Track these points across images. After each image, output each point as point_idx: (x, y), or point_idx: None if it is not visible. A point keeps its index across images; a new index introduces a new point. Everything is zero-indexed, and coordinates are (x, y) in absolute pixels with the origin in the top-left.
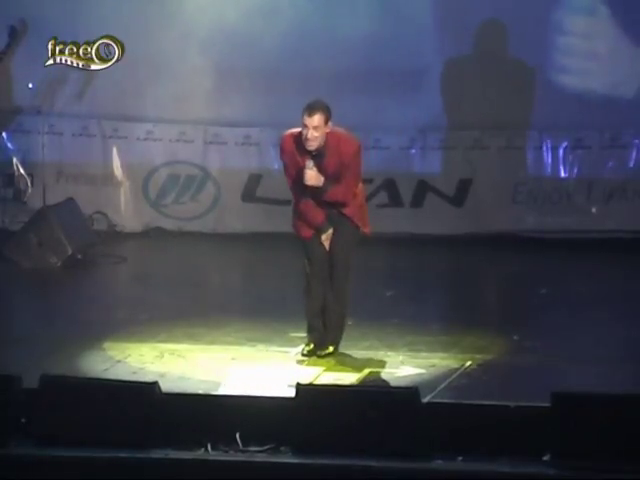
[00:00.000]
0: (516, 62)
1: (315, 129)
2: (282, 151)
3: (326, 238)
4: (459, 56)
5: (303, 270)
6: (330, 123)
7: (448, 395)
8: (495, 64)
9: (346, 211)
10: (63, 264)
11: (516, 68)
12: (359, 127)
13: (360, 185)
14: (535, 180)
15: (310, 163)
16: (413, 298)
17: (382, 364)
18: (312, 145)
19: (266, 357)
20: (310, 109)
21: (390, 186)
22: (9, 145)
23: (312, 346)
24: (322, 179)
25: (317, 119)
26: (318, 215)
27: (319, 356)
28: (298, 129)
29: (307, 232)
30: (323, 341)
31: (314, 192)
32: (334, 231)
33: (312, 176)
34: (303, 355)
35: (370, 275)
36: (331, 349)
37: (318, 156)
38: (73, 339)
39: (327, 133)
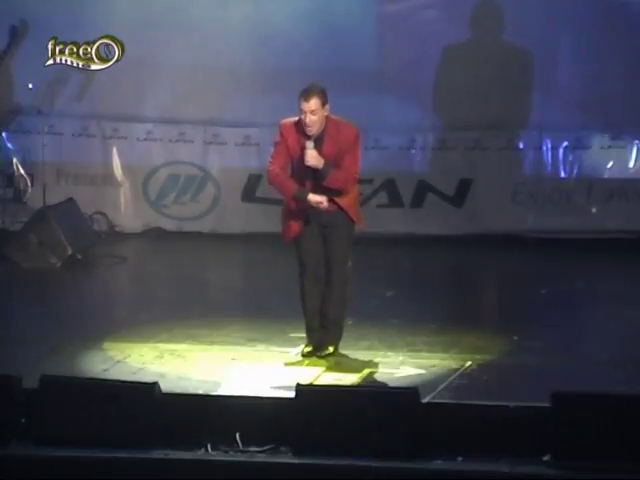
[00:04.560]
0: (512, 48)
1: (312, 113)
2: (281, 136)
3: (312, 199)
4: (455, 45)
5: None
6: (327, 107)
7: (448, 395)
8: (491, 51)
9: (343, 202)
10: (63, 264)
11: (512, 55)
12: (359, 127)
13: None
14: (535, 180)
15: (310, 144)
16: (413, 298)
17: (382, 364)
18: (312, 130)
19: (266, 357)
20: (306, 93)
21: (390, 186)
22: (9, 145)
23: (311, 347)
24: (322, 160)
25: (314, 103)
26: (291, 183)
27: (319, 356)
28: (297, 117)
29: (294, 230)
30: (322, 341)
31: (314, 177)
32: (329, 230)
33: (313, 155)
34: (302, 356)
35: (370, 275)
36: (331, 349)
37: (317, 142)
38: (73, 339)
39: (326, 119)
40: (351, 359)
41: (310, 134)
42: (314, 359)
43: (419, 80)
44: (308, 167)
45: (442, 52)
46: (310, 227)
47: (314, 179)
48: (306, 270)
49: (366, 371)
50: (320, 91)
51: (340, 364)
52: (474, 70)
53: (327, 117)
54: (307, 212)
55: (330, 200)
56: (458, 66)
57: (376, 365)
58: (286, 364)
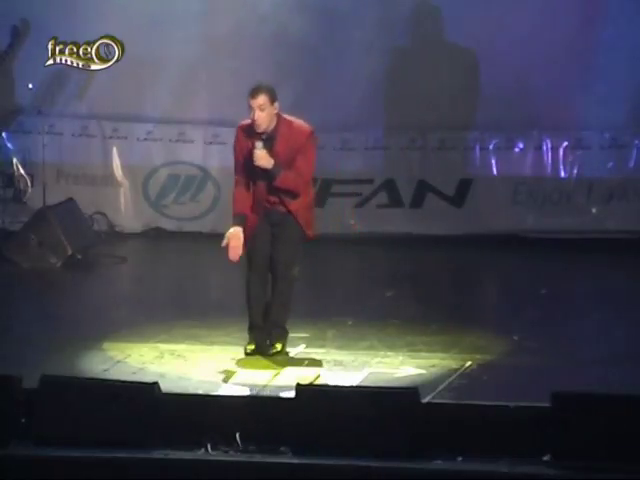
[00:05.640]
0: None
1: (260, 108)
2: (235, 140)
3: (231, 237)
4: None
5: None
6: (277, 104)
7: (448, 395)
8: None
9: (292, 206)
10: (63, 264)
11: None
12: (359, 127)
13: (310, 189)
14: (535, 180)
15: (260, 144)
16: (413, 298)
17: (382, 364)
18: (260, 126)
19: (266, 357)
20: (253, 91)
21: (390, 186)
22: (9, 145)
23: (254, 345)
24: (272, 161)
25: (261, 98)
26: (238, 204)
27: (268, 356)
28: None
29: (249, 228)
30: (267, 340)
31: (264, 177)
32: (278, 230)
33: (261, 156)
34: (246, 354)
35: (370, 275)
36: (278, 347)
37: (269, 141)
38: (73, 339)
39: (279, 119)
40: (351, 359)
41: (259, 130)
42: (314, 359)
43: (418, 80)
44: (258, 167)
45: (434, 53)
46: (262, 225)
47: (265, 179)
48: (254, 269)
49: (366, 371)
50: (268, 88)
51: (340, 364)
52: (471, 71)
53: (281, 117)
54: (261, 210)
55: (280, 202)
56: (453, 67)
57: (376, 365)
58: (286, 364)
